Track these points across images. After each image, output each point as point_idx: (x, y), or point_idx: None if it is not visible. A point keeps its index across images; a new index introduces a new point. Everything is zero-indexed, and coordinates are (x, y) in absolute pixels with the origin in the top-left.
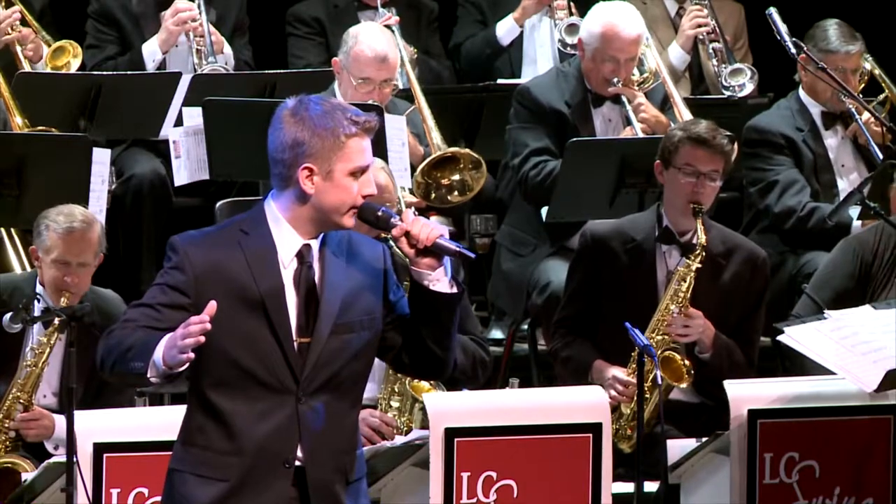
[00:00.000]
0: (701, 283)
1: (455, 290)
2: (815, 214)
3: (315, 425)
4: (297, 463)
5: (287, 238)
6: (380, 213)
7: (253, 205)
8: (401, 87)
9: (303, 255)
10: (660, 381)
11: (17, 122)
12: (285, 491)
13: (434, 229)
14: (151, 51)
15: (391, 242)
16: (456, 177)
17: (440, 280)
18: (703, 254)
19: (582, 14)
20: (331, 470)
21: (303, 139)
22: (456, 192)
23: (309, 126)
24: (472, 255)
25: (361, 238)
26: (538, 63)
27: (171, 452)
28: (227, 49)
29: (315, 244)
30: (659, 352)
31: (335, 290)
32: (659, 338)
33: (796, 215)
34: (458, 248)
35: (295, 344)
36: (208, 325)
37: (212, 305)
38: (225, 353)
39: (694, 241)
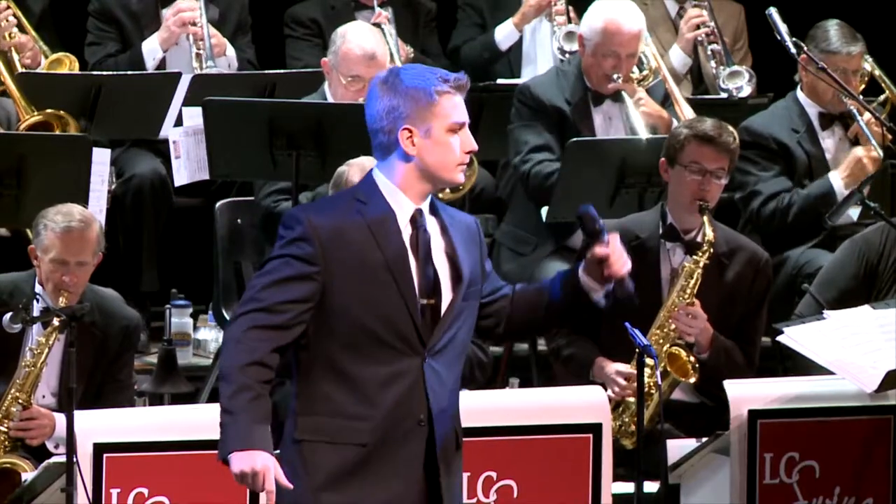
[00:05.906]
0: (704, 281)
1: (603, 305)
2: (796, 201)
3: (438, 385)
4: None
5: (401, 203)
6: (597, 227)
7: (253, 205)
8: None
9: (416, 220)
10: (660, 380)
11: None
12: (419, 449)
13: (627, 262)
14: (151, 48)
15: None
16: None
17: (599, 295)
18: (711, 250)
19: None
20: (451, 430)
21: (397, 104)
22: (447, 189)
23: (401, 90)
24: (637, 301)
25: (456, 210)
26: (538, 63)
27: (171, 452)
28: (231, 51)
29: (425, 208)
30: (665, 347)
31: (451, 254)
32: (664, 334)
33: (779, 212)
34: (632, 291)
35: (419, 305)
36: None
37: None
38: (354, 319)
39: (698, 238)
